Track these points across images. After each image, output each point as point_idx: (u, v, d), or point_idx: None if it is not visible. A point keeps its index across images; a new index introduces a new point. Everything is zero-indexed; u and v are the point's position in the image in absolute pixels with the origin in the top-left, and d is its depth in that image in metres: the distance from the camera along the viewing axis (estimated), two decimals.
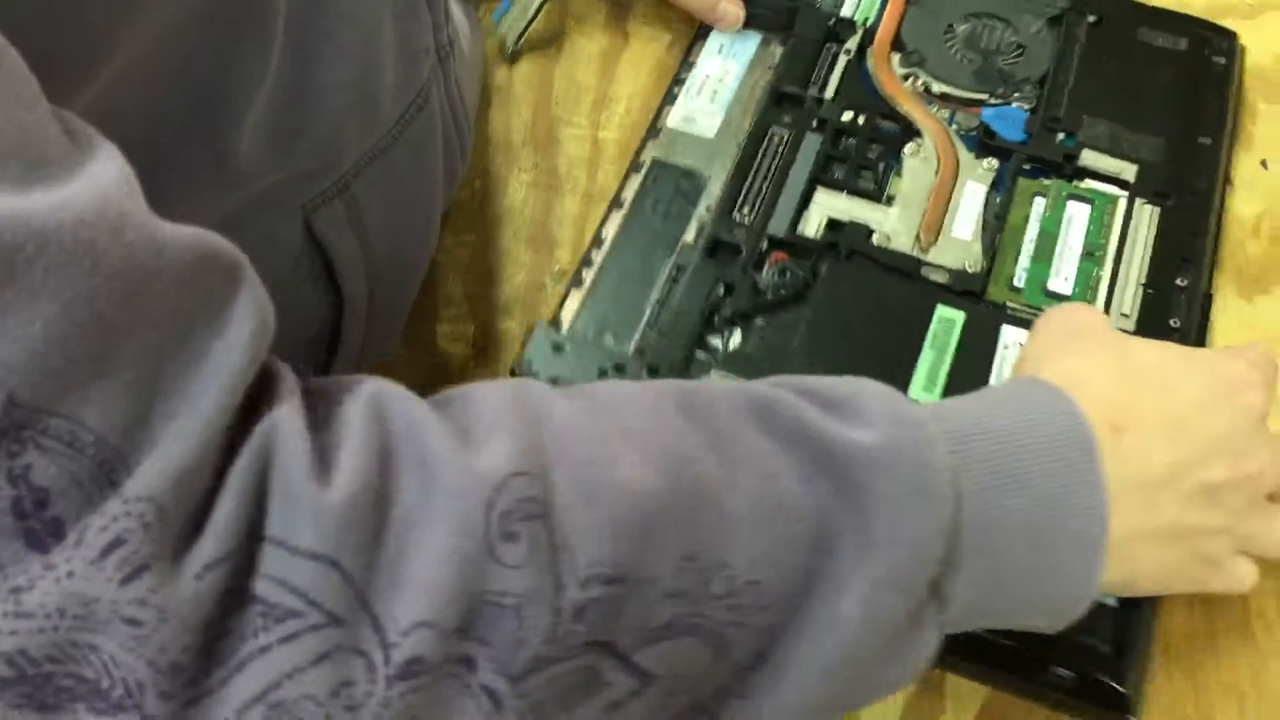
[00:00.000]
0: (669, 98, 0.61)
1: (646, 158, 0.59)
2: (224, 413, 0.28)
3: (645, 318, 0.53)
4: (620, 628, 0.31)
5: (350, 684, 0.28)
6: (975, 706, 0.47)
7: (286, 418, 0.29)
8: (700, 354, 0.52)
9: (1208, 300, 0.55)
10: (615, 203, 0.57)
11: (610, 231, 0.56)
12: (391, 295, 0.51)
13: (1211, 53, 0.62)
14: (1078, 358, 0.42)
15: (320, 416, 0.31)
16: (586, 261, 0.55)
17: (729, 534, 0.32)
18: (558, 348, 0.51)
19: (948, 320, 0.52)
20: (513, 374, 0.51)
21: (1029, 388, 0.40)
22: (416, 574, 0.29)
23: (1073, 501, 0.37)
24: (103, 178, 0.28)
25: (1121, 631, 0.45)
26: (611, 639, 0.31)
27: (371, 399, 0.31)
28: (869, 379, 0.37)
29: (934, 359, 0.51)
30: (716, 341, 0.52)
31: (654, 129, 0.60)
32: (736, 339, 0.52)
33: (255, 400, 0.30)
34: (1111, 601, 0.46)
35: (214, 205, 0.40)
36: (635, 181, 0.58)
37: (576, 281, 0.55)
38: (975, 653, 0.46)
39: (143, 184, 0.29)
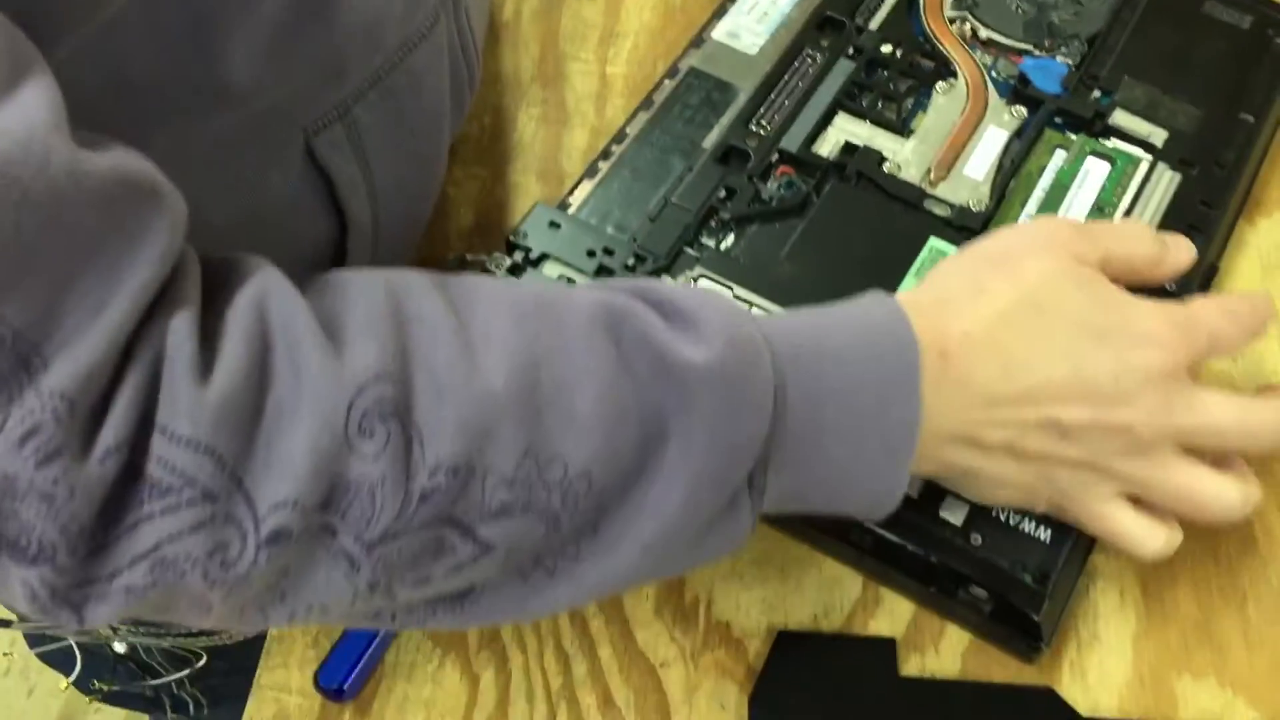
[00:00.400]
0: (719, 11, 0.63)
1: (684, 65, 0.61)
2: (129, 319, 0.32)
3: (647, 213, 0.55)
4: (463, 509, 0.36)
5: (225, 547, 0.33)
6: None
7: (181, 321, 0.33)
8: (689, 250, 0.53)
9: (1212, 271, 0.54)
10: (644, 103, 0.59)
11: (634, 130, 0.58)
12: (398, 223, 0.53)
13: (1275, 34, 0.60)
14: (973, 280, 0.45)
15: (213, 310, 0.35)
16: (605, 154, 0.57)
17: (568, 433, 0.37)
18: (554, 225, 0.53)
19: (938, 251, 0.53)
20: (508, 243, 0.53)
21: (874, 307, 0.43)
22: (284, 460, 0.33)
23: (888, 415, 0.41)
24: (31, 109, 0.31)
25: (1046, 564, 0.46)
26: (455, 517, 0.36)
27: (256, 296, 0.35)
28: (720, 294, 0.41)
29: (914, 286, 0.52)
30: (709, 241, 0.54)
31: (699, 39, 0.62)
32: (729, 242, 0.54)
33: (156, 309, 0.34)
34: (1043, 535, 0.46)
35: (213, 125, 0.42)
36: (669, 86, 0.60)
37: (591, 172, 0.57)
38: (901, 564, 0.47)
39: (141, 101, 0.33)
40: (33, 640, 0.66)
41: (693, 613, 0.49)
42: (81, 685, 0.67)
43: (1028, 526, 0.46)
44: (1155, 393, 0.43)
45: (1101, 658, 0.47)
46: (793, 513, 0.43)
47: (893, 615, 0.48)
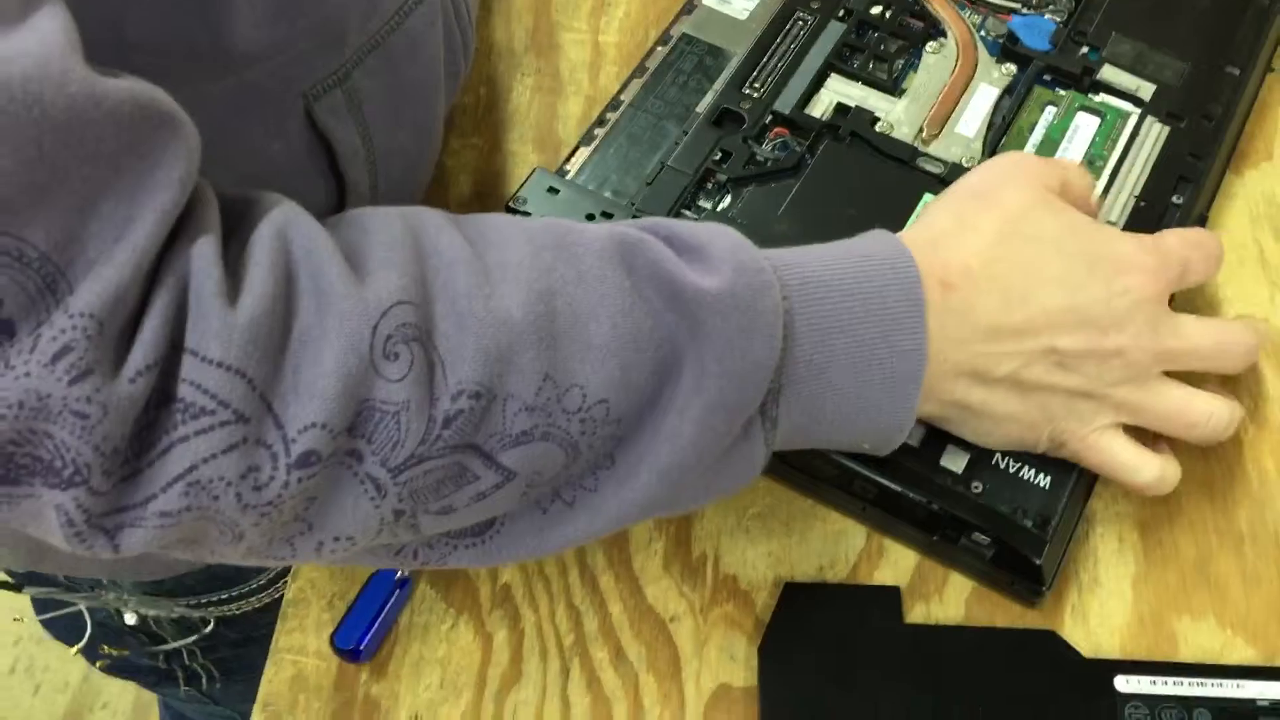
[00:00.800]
0: None
1: (677, 31, 0.61)
2: (154, 241, 0.33)
3: (644, 177, 0.55)
4: (484, 434, 0.37)
5: (257, 469, 0.34)
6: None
7: (205, 246, 0.34)
8: (687, 212, 0.54)
9: (1201, 222, 0.55)
10: (638, 70, 0.60)
11: (628, 96, 0.59)
12: (396, 190, 0.54)
13: None
14: (960, 214, 0.46)
15: (236, 240, 0.36)
16: (600, 121, 0.58)
17: (585, 359, 0.37)
18: (553, 190, 0.54)
19: None
20: (507, 208, 0.54)
21: (877, 242, 0.44)
22: (312, 383, 0.34)
23: (894, 345, 0.42)
24: (47, 33, 0.31)
25: (1046, 508, 0.47)
26: (477, 442, 0.37)
27: (279, 224, 0.36)
28: (729, 227, 0.42)
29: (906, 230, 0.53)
30: (706, 203, 0.55)
31: (689, 5, 0.62)
32: (725, 203, 0.54)
33: (179, 235, 0.34)
34: (1042, 482, 0.47)
35: (214, 90, 0.43)
36: (661, 53, 0.60)
37: (587, 139, 0.57)
38: (904, 513, 0.48)
39: (144, 65, 0.34)
40: (40, 606, 0.66)
41: (700, 568, 0.50)
42: (89, 653, 0.68)
43: (1027, 473, 0.47)
44: (1142, 317, 0.45)
45: (1102, 601, 0.48)
46: (805, 448, 0.44)
47: (896, 565, 0.49)
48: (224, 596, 0.66)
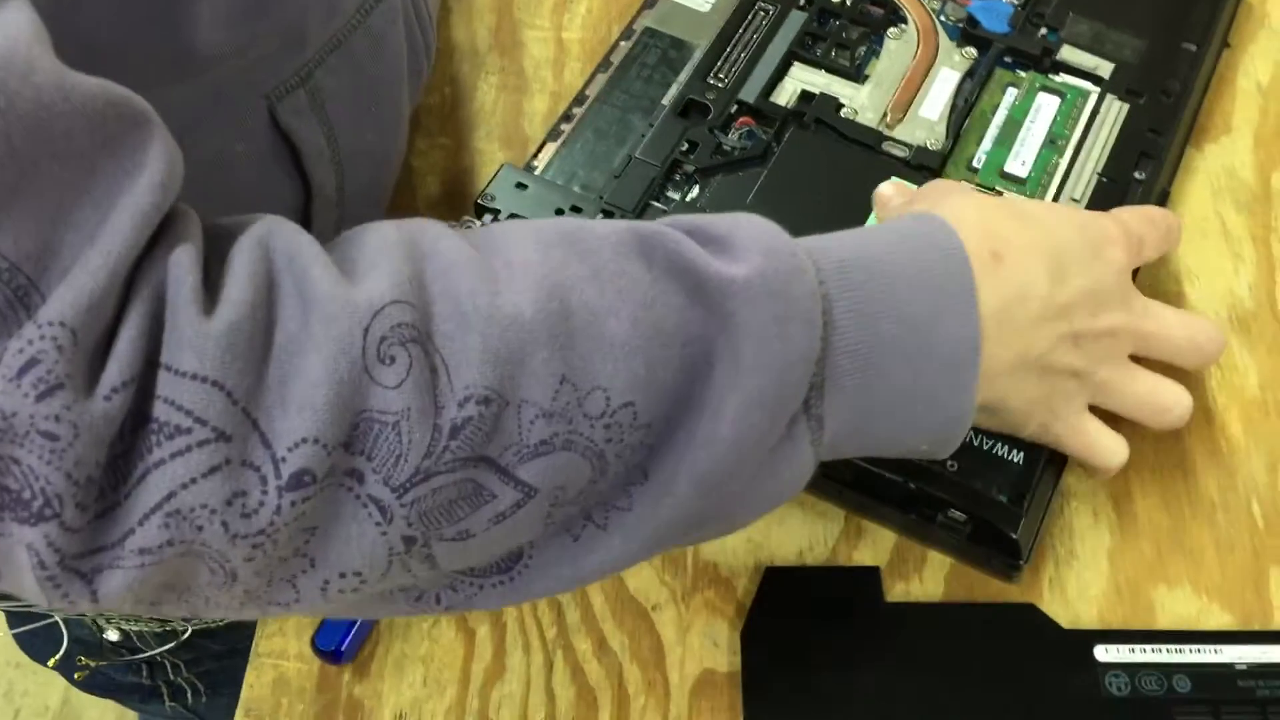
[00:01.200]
0: None
1: (640, 25, 0.61)
2: (131, 249, 0.30)
3: (612, 170, 0.55)
4: (498, 445, 0.33)
5: (243, 494, 0.31)
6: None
7: (183, 255, 0.32)
8: (655, 203, 0.54)
9: (1163, 197, 0.56)
10: (602, 64, 0.60)
11: (593, 91, 0.59)
12: (362, 191, 0.53)
13: None
14: (961, 198, 0.45)
15: (215, 252, 0.33)
16: (566, 116, 0.58)
17: (605, 358, 0.34)
18: (521, 186, 0.54)
19: None
20: (476, 206, 0.54)
21: (911, 220, 0.42)
22: (300, 394, 0.31)
23: (947, 326, 0.38)
24: (11, 25, 0.30)
25: (1020, 483, 0.47)
26: (490, 455, 0.33)
27: (259, 234, 0.34)
28: (753, 215, 0.38)
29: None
30: (674, 194, 0.55)
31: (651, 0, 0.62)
32: (694, 194, 0.55)
33: (158, 243, 0.32)
34: (1016, 458, 0.48)
35: (177, 93, 0.42)
36: (625, 47, 0.60)
37: (554, 134, 0.57)
38: (880, 493, 0.48)
39: (108, 69, 0.32)
40: (14, 620, 0.65)
41: (681, 556, 0.50)
42: (66, 667, 0.67)
43: (1001, 449, 0.48)
44: (1123, 295, 0.45)
45: (1079, 573, 0.49)
46: (857, 455, 0.41)
47: (875, 546, 0.50)
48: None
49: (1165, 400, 0.46)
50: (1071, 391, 0.44)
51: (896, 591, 0.48)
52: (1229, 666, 0.45)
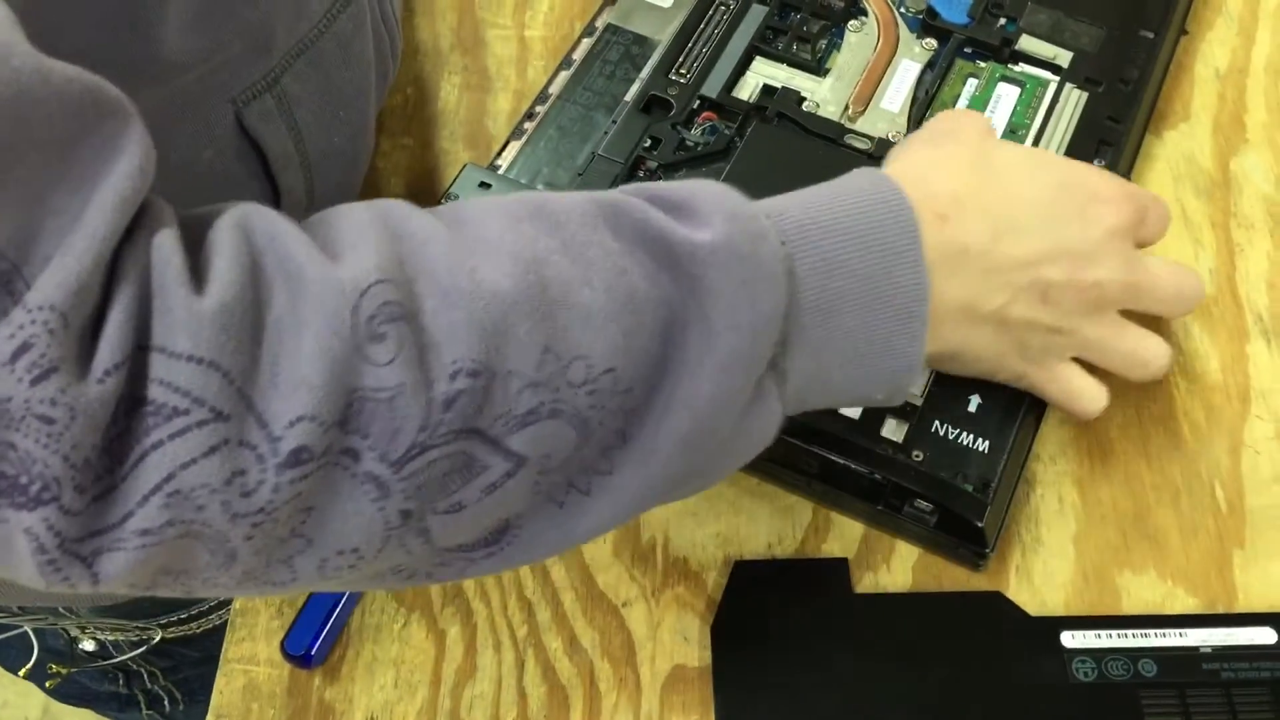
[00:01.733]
0: None
1: (602, 22, 0.61)
2: (113, 232, 0.31)
3: (576, 168, 0.55)
4: (489, 416, 0.34)
5: (242, 473, 0.31)
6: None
7: (165, 239, 0.32)
8: None
9: None
10: (565, 62, 0.60)
11: (556, 89, 0.59)
12: (331, 194, 0.53)
13: None
14: (930, 152, 0.46)
15: (194, 238, 0.34)
16: (529, 114, 0.58)
17: (584, 327, 0.35)
18: (485, 185, 0.54)
19: None
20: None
21: (864, 179, 0.43)
22: (294, 373, 0.31)
23: (895, 280, 0.40)
24: None
25: (985, 472, 0.47)
26: (481, 426, 0.34)
27: (237, 217, 0.34)
28: (707, 180, 0.40)
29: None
30: None
31: None
32: None
33: (137, 228, 0.32)
34: (981, 446, 0.48)
35: (145, 99, 0.41)
36: (587, 44, 0.60)
37: (517, 133, 0.57)
38: (848, 485, 0.49)
39: None
40: None
41: (650, 553, 0.50)
42: (37, 675, 0.67)
43: (966, 439, 0.48)
44: (1114, 250, 0.45)
45: (1045, 560, 0.49)
46: (816, 408, 0.42)
47: (843, 537, 0.50)
48: (182, 616, 0.65)
49: (1148, 354, 0.47)
50: (1051, 344, 0.46)
51: (865, 582, 0.49)
52: (1194, 650, 0.46)
